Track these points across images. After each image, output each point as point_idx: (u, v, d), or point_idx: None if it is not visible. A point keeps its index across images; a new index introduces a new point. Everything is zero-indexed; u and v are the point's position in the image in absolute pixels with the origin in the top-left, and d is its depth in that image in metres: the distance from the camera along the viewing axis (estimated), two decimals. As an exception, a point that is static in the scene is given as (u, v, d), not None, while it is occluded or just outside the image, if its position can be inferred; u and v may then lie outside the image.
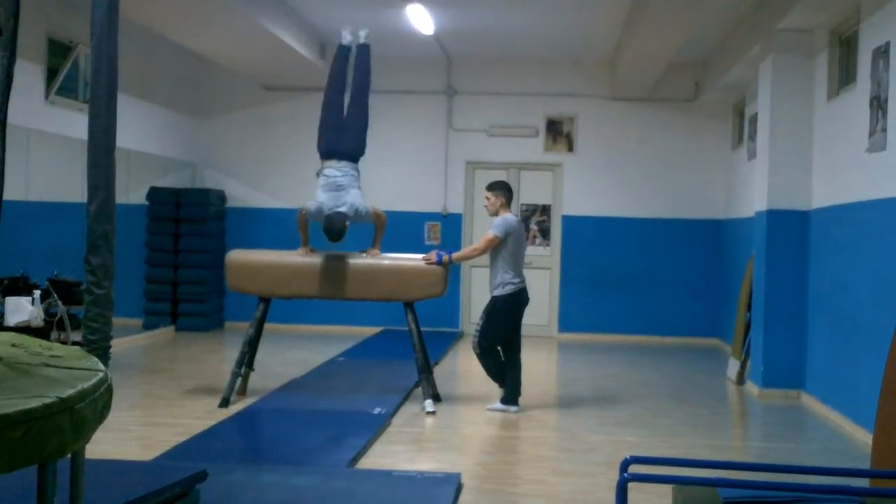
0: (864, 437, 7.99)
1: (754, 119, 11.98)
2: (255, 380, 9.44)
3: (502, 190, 9.18)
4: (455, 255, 9.21)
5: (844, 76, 9.43)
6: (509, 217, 9.03)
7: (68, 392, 2.30)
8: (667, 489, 4.92)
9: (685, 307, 15.13)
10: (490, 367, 9.12)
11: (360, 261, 9.07)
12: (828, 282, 9.47)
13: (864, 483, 5.15)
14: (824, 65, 9.79)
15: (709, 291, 15.04)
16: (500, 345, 9.08)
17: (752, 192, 11.37)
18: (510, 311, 9.00)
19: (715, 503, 4.13)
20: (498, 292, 8.97)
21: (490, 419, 8.82)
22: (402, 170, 15.49)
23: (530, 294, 9.27)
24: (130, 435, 7.58)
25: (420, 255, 9.19)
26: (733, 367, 11.33)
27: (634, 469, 4.22)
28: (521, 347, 9.20)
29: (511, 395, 9.10)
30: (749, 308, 11.00)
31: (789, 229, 10.15)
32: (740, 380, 11.00)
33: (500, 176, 14.99)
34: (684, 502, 4.31)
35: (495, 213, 9.11)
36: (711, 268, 15.08)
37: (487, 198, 9.18)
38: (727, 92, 13.95)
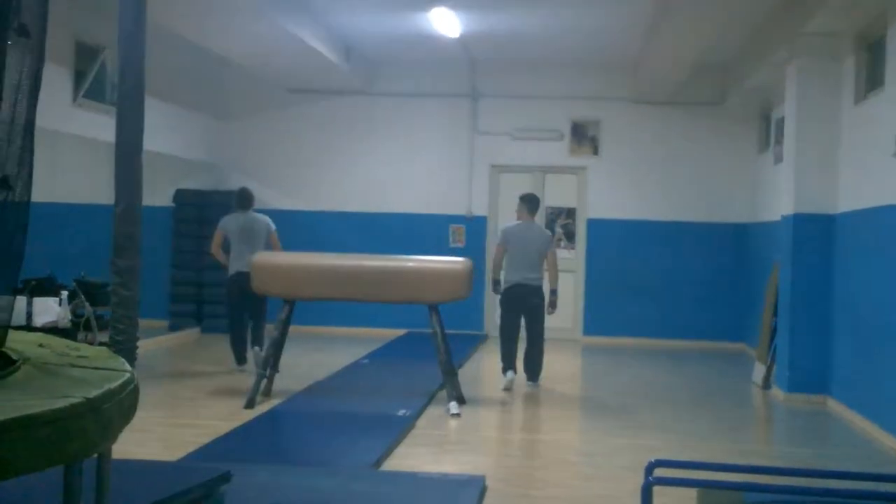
0: (890, 442, 7.94)
1: (781, 123, 11.91)
2: (280, 381, 9.47)
3: (522, 200, 10.69)
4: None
5: (872, 80, 9.37)
6: (507, 225, 10.75)
7: (95, 392, 2.31)
8: (692, 493, 4.90)
9: (710, 311, 15.06)
10: (503, 355, 10.50)
11: (384, 263, 9.08)
12: (854, 286, 9.41)
13: (891, 488, 5.11)
14: (851, 68, 9.73)
15: (734, 295, 14.97)
16: (516, 335, 10.45)
17: (778, 196, 11.32)
18: (505, 304, 10.51)
19: (740, 508, 4.12)
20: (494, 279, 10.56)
21: (514, 422, 8.81)
22: (427, 173, 15.50)
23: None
24: (155, 435, 7.61)
25: (445, 258, 9.28)
26: (759, 371, 11.27)
27: (659, 473, 4.21)
28: (534, 339, 10.46)
29: (532, 374, 10.57)
30: (775, 312, 10.94)
31: (815, 233, 10.09)
32: (766, 384, 10.94)
33: (524, 179, 15.08)
34: (709, 507, 4.30)
35: (519, 220, 10.64)
36: (736, 271, 15.01)
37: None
38: (753, 95, 13.88)
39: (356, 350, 12.85)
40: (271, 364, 9.17)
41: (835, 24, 9.61)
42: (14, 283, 2.74)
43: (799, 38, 10.07)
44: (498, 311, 11.97)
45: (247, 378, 10.03)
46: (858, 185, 9.37)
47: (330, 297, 9.28)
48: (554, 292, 10.46)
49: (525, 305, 10.36)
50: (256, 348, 10.53)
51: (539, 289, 10.39)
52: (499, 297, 10.62)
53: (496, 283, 10.53)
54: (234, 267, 10.77)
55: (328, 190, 15.68)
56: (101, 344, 8.41)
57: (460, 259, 9.21)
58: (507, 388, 10.27)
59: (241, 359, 10.94)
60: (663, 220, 15.19)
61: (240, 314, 10.87)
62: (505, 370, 10.44)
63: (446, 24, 12.46)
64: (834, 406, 9.72)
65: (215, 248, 11.02)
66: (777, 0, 10.42)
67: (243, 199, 11.17)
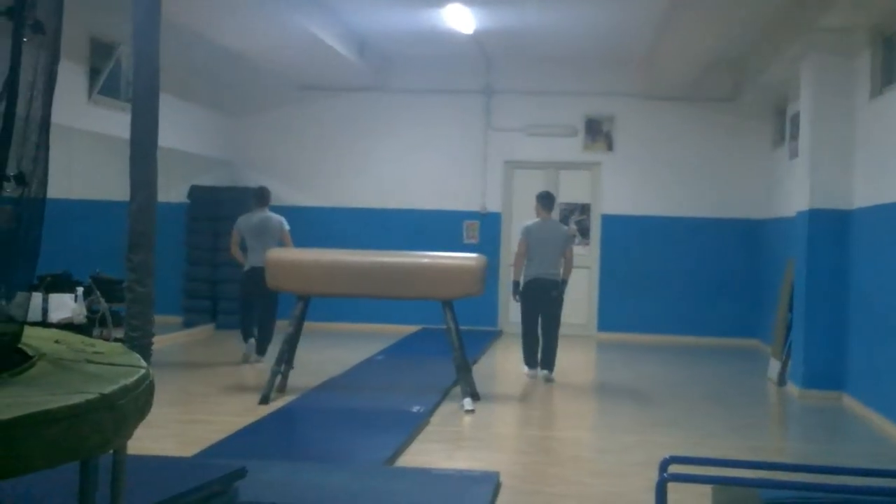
0: (906, 439, 7.91)
1: (796, 118, 11.87)
2: (294, 377, 9.48)
3: (538, 198, 11.19)
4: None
5: (887, 75, 9.33)
6: (527, 223, 11.05)
7: (110, 388, 2.32)
8: (706, 490, 4.89)
9: (724, 307, 15.02)
10: (524, 349, 10.94)
11: (398, 259, 9.09)
12: (870, 282, 9.38)
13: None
14: (866, 63, 9.68)
15: (748, 291, 14.92)
16: (536, 331, 10.80)
17: (794, 192, 11.28)
18: (525, 298, 10.84)
19: (755, 504, 4.10)
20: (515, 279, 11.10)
21: (528, 418, 8.81)
22: (441, 169, 15.49)
23: (567, 292, 10.91)
24: (170, 431, 7.63)
25: (459, 254, 9.31)
26: (774, 367, 11.24)
27: (674, 469, 4.20)
28: (549, 329, 10.79)
29: (547, 364, 10.86)
30: (790, 308, 10.91)
31: (831, 229, 10.06)
32: (781, 380, 10.91)
33: (538, 175, 15.08)
34: (724, 503, 4.29)
35: (538, 217, 11.10)
36: (751, 268, 14.96)
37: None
38: (767, 90, 13.83)
39: (370, 346, 12.85)
40: (286, 360, 9.18)
41: (849, 19, 9.57)
42: (30, 280, 2.75)
43: (813, 34, 10.03)
44: (513, 308, 12.23)
45: (256, 369, 10.06)
46: (874, 180, 9.33)
47: (344, 293, 9.30)
48: (564, 282, 10.98)
49: (544, 298, 10.80)
50: (257, 355, 11.34)
51: (557, 283, 10.87)
52: (517, 296, 11.02)
53: (516, 284, 10.98)
54: (249, 263, 11.27)
55: (342, 186, 15.69)
56: (116, 340, 8.43)
57: (474, 255, 9.22)
58: (531, 377, 10.90)
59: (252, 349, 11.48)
60: (678, 216, 15.15)
61: (250, 308, 11.41)
62: (529, 367, 10.95)
63: (460, 20, 12.45)
64: (849, 402, 9.69)
65: (233, 248, 11.61)
66: (792, -5, 10.38)
67: (259, 198, 11.68)
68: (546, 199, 11.18)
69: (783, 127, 13.66)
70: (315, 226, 14.96)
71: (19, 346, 2.64)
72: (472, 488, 6.00)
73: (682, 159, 15.17)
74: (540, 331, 10.86)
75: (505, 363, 12.13)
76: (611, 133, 15.35)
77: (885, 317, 8.85)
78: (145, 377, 2.58)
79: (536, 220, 11.06)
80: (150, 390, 2.59)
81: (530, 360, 10.91)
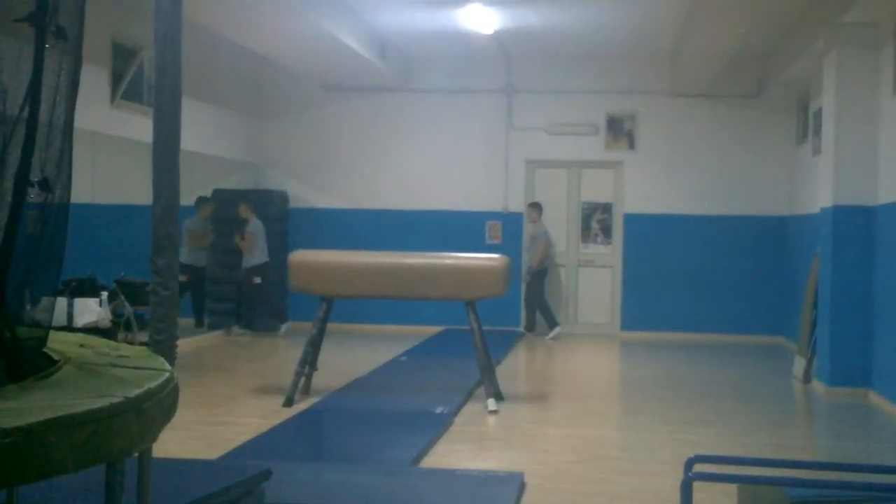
0: (934, 436, 7.85)
1: (819, 114, 11.80)
2: (318, 379, 9.50)
3: (534, 206, 14.80)
4: (535, 262, 14.69)
5: (911, 69, 9.27)
6: (544, 228, 14.65)
7: (135, 392, 2.33)
8: (732, 488, 4.88)
9: (749, 305, 14.95)
10: (549, 314, 14.51)
11: (421, 260, 9.09)
12: (895, 278, 9.31)
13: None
14: (890, 58, 9.62)
15: (773, 289, 14.85)
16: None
17: (817, 188, 11.22)
18: (543, 278, 14.66)
19: (781, 503, 4.09)
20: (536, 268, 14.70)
21: (552, 418, 8.80)
22: (463, 169, 15.48)
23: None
24: (195, 434, 7.66)
25: (482, 255, 9.31)
26: (799, 365, 11.18)
27: (699, 468, 4.19)
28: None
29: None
30: (815, 305, 10.85)
31: (855, 225, 9.99)
32: (806, 378, 10.85)
33: (560, 174, 15.14)
34: (750, 501, 4.27)
35: (533, 222, 14.73)
36: (775, 265, 14.89)
37: (530, 214, 14.99)
38: (791, 86, 13.76)
39: (393, 347, 12.86)
40: (309, 362, 9.19)
41: (874, 14, 9.51)
42: (55, 284, 2.76)
43: (837, 28, 9.98)
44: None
45: (280, 371, 10.09)
46: (899, 176, 9.27)
47: (368, 294, 9.31)
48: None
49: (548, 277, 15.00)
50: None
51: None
52: (529, 276, 14.55)
53: (530, 269, 14.55)
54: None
55: (365, 187, 15.71)
56: (140, 343, 8.48)
57: (497, 256, 9.21)
58: (555, 338, 14.11)
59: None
60: (701, 214, 15.09)
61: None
62: (553, 326, 14.34)
63: (480, 19, 12.45)
64: (875, 399, 9.63)
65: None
66: (814, -10, 10.33)
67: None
68: (540, 207, 14.75)
69: (807, 123, 13.59)
70: (338, 227, 15.00)
71: (45, 350, 2.65)
72: (497, 488, 6.00)
73: (705, 156, 15.11)
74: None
75: (529, 363, 12.12)
76: (633, 131, 15.31)
77: (911, 313, 8.79)
78: (170, 380, 2.58)
79: (541, 225, 14.60)
80: (174, 393, 2.60)
81: (554, 319, 14.43)
